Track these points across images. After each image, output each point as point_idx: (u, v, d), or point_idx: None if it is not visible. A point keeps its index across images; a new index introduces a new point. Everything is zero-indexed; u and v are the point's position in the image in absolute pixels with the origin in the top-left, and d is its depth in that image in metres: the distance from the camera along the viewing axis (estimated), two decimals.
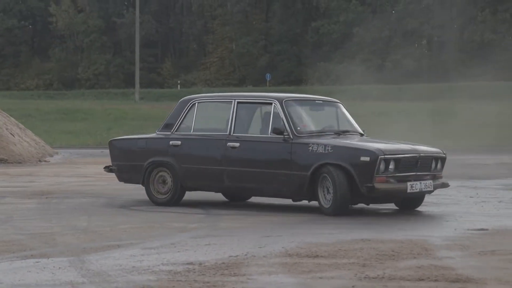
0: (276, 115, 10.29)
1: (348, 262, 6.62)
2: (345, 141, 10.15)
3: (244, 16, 66.48)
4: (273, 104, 10.41)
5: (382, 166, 9.62)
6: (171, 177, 10.86)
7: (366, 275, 6.11)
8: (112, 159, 11.66)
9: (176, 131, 10.99)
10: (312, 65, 59.07)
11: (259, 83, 60.27)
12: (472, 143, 25.01)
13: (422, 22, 56.26)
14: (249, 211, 10.50)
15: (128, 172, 11.41)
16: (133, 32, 58.40)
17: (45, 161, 21.14)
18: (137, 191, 13.28)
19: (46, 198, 11.93)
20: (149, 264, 6.56)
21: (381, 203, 10.50)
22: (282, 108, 10.32)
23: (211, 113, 11.29)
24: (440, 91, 41.85)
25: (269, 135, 10.24)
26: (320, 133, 10.42)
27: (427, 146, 10.50)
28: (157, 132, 11.29)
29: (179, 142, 10.91)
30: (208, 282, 5.84)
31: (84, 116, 43.00)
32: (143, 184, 11.09)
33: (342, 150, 9.78)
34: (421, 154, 10.04)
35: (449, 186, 10.65)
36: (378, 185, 9.59)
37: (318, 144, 9.85)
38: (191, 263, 6.59)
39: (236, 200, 11.55)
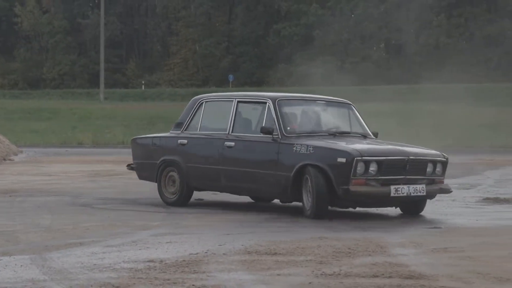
0: (269, 114, 9.98)
1: (305, 260, 6.64)
2: (327, 142, 9.65)
3: (207, 18, 66.41)
4: (267, 103, 10.10)
5: (360, 168, 9.13)
6: (179, 176, 10.66)
7: (323, 272, 6.13)
8: (133, 157, 11.55)
9: (185, 130, 10.85)
10: (274, 66, 59.16)
11: (222, 84, 60.24)
12: (432, 144, 25.18)
13: (380, 26, 56.63)
14: (212, 210, 10.49)
15: (146, 170, 11.22)
16: (98, 33, 58.07)
17: (9, 159, 20.93)
18: (101, 189, 13.22)
19: (10, 196, 11.82)
20: (110, 262, 6.52)
21: (365, 206, 9.92)
22: (274, 108, 9.99)
23: (217, 112, 10.86)
24: (399, 93, 42.18)
25: (260, 135, 9.92)
26: (312, 134, 9.99)
27: (428, 149, 9.90)
28: (170, 131, 11.18)
29: (185, 141, 10.76)
30: (168, 279, 5.82)
31: (49, 115, 42.71)
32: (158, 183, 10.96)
33: (321, 151, 9.34)
34: (411, 157, 9.41)
35: (451, 191, 9.99)
36: (354, 188, 9.10)
37: (301, 145, 9.47)
38: (152, 261, 6.57)
39: (261, 201, 11.14)
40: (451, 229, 8.67)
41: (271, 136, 9.77)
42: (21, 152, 23.20)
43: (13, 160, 21.10)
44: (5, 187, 13.18)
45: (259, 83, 57.92)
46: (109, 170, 17.74)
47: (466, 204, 11.19)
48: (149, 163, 11.11)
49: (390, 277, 5.99)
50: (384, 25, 56.87)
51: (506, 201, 11.77)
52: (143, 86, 62.68)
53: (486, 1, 57.09)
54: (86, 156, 23.40)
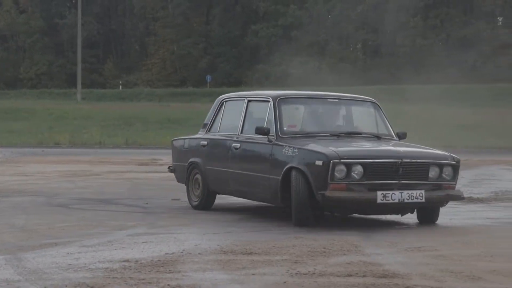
0: (270, 114, 9.36)
1: (280, 259, 6.65)
2: (316, 144, 8.81)
3: (185, 18, 66.29)
4: (269, 102, 9.49)
5: (339, 172, 8.35)
6: (201, 179, 10.26)
7: (298, 271, 6.15)
8: (172, 159, 11.27)
9: (208, 130, 10.42)
10: (251, 67, 59.15)
11: (199, 84, 60.15)
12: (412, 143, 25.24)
13: (357, 27, 56.81)
14: (188, 210, 10.48)
15: (179, 172, 10.84)
16: (75, 33, 57.81)
17: None
18: (77, 190, 13.16)
19: None
20: (85, 262, 6.50)
21: (349, 213, 9.10)
22: (274, 107, 9.35)
23: (233, 112, 10.15)
24: (377, 93, 42.30)
25: (260, 136, 9.30)
26: (312, 135, 9.28)
27: (436, 151, 9.04)
28: (198, 132, 10.76)
29: (205, 142, 10.36)
30: (143, 279, 5.81)
31: (26, 115, 42.47)
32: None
33: (303, 153, 8.59)
34: (404, 160, 8.52)
35: (463, 198, 9.22)
36: (330, 193, 8.32)
37: (289, 146, 8.79)
38: (127, 261, 6.56)
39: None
40: (425, 228, 8.72)
41: (266, 137, 9.17)
42: None
43: None
44: None
45: (237, 84, 57.92)
46: (86, 170, 17.67)
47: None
48: (181, 166, 10.77)
49: (364, 276, 6.02)
50: (361, 26, 57.06)
51: (479, 200, 11.87)
52: (120, 86, 62.48)
53: (461, 3, 57.43)
54: (62, 157, 23.29)
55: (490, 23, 56.34)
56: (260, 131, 9.18)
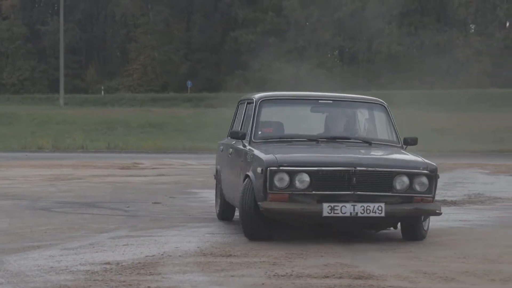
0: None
1: (259, 261, 6.66)
2: (271, 149, 7.92)
3: (165, 25, 66.15)
4: (253, 104, 8.60)
5: (280, 181, 7.36)
6: (219, 187, 9.54)
7: (276, 273, 6.15)
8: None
9: (228, 135, 9.34)
10: (231, 72, 59.17)
11: (180, 90, 60.07)
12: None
13: (334, 34, 56.97)
14: (169, 212, 10.45)
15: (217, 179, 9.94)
16: (57, 40, 57.54)
17: None
18: (60, 193, 13.11)
19: None
20: (67, 265, 6.47)
21: (297, 227, 8.02)
22: (255, 109, 8.46)
23: (245, 115, 9.07)
24: None
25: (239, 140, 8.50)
26: (286, 140, 8.29)
27: (410, 158, 7.89)
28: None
29: (221, 148, 9.77)
30: (124, 281, 5.80)
31: (9, 120, 42.23)
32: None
33: (255, 160, 7.73)
34: (358, 169, 7.40)
35: (438, 213, 7.76)
36: (267, 204, 7.38)
37: (248, 153, 8.00)
38: (108, 263, 6.53)
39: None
40: (400, 230, 8.76)
41: (241, 141, 8.40)
42: None
43: None
44: None
45: (217, 89, 57.92)
46: (68, 174, 17.60)
47: None
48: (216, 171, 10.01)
49: (340, 277, 6.03)
50: (338, 33, 57.21)
51: (453, 203, 11.94)
52: (102, 92, 62.25)
53: (435, 11, 57.76)
54: (45, 161, 23.19)
55: (463, 31, 56.68)
56: (234, 135, 8.54)
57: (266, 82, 46.46)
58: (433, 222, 9.50)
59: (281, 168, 7.39)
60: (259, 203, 7.46)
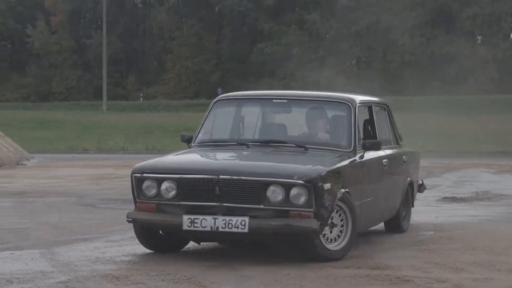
0: None
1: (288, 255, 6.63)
2: (176, 154, 6.75)
3: (198, 38, 66.25)
4: None
5: (148, 188, 6.15)
6: None
7: (304, 263, 6.14)
8: None
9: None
10: (257, 81, 59.13)
11: (212, 96, 60.14)
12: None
13: (352, 45, 56.75)
14: None
15: None
16: (100, 52, 57.91)
17: (22, 164, 20.84)
18: (103, 191, 13.19)
19: (22, 197, 11.77)
20: (111, 255, 6.52)
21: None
22: (209, 110, 7.18)
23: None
24: None
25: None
26: (221, 143, 6.87)
27: (291, 165, 6.13)
28: None
29: None
30: (163, 270, 5.82)
31: (57, 124, 42.52)
32: None
33: None
34: (221, 177, 5.93)
35: (314, 233, 5.94)
36: (132, 214, 6.31)
37: None
38: (148, 254, 6.57)
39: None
40: (414, 225, 8.72)
41: (187, 145, 7.09)
42: (32, 157, 23.08)
43: (25, 165, 21.00)
44: (18, 189, 13.15)
45: None
46: (111, 173, 17.69)
47: (427, 203, 11.22)
48: None
49: (359, 268, 6.02)
50: (355, 44, 57.01)
51: (462, 200, 11.85)
52: (141, 99, 62.47)
53: (444, 23, 57.40)
54: (90, 161, 23.31)
55: (470, 42, 56.29)
56: (183, 139, 7.15)
57: (290, 89, 46.39)
58: (444, 218, 9.47)
59: (144, 175, 6.16)
60: (127, 213, 6.38)
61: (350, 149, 6.62)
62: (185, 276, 5.62)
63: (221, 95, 7.57)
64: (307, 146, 6.62)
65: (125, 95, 65.02)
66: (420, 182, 8.75)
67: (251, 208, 5.92)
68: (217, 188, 5.94)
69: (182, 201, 6.06)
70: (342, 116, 6.81)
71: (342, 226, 6.28)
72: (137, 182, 6.20)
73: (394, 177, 7.69)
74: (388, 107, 7.95)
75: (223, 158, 6.60)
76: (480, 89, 46.45)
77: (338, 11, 56.18)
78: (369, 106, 7.41)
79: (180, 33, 66.79)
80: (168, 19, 66.35)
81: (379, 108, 7.73)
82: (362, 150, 6.74)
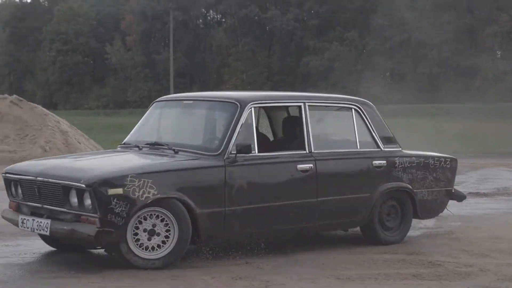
0: None
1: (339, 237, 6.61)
2: (73, 159, 6.11)
3: (252, 53, 66.45)
4: None
5: (10, 188, 5.72)
6: None
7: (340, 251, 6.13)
8: None
9: None
10: (304, 91, 59.01)
11: None
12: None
13: (386, 59, 56.29)
14: None
15: None
16: (168, 66, 58.51)
17: None
18: None
19: None
20: None
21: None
22: (146, 113, 6.54)
23: None
24: (408, 111, 41.82)
25: None
26: (127, 146, 6.13)
27: (109, 168, 5.30)
28: None
29: None
30: (224, 255, 5.85)
31: (131, 129, 42.95)
32: None
33: None
34: (38, 179, 5.36)
35: (90, 239, 5.14)
36: (5, 213, 5.82)
37: None
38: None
39: None
40: (443, 216, 8.66)
41: None
42: None
43: None
44: None
45: None
46: None
47: None
48: None
49: (396, 253, 6.02)
50: (389, 58, 56.52)
51: (484, 195, 11.69)
52: None
53: (468, 40, 56.63)
54: None
55: (491, 55, 55.39)
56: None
57: None
58: (469, 210, 9.35)
59: (7, 175, 5.74)
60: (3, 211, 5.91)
61: (218, 152, 5.49)
62: (245, 261, 5.65)
63: (160, 98, 6.58)
64: (176, 149, 5.64)
65: None
66: (451, 190, 6.85)
67: (60, 211, 5.30)
68: (36, 189, 5.41)
69: (26, 200, 5.59)
70: (225, 117, 5.71)
71: (168, 233, 5.23)
72: (5, 182, 5.76)
73: (334, 183, 5.94)
74: (360, 108, 6.29)
75: (74, 161, 5.85)
76: (500, 98, 45.70)
77: (374, 29, 55.94)
78: (285, 106, 6.22)
79: (236, 50, 67.11)
80: (226, 37, 66.87)
81: (338, 109, 6.35)
82: (234, 153, 5.48)
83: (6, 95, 19.01)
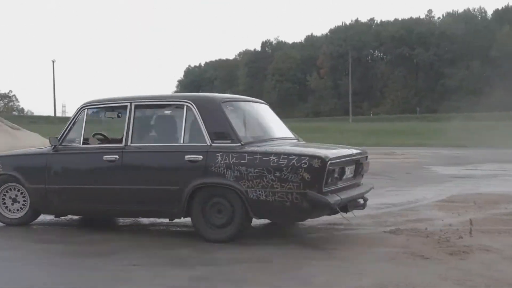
0: None
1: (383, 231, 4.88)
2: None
3: (404, 78, 63.11)
4: None
5: None
6: None
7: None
8: None
9: None
10: (442, 103, 54.82)
11: (413, 113, 56.79)
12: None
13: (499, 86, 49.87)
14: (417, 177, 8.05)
15: None
16: (348, 88, 57.33)
17: None
18: None
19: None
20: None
21: None
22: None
23: None
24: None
25: None
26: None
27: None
28: None
29: None
30: (268, 239, 4.27)
31: (323, 130, 35.83)
32: None
33: None
34: None
35: None
36: None
37: None
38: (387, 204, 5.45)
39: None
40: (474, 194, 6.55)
41: None
42: None
43: None
44: None
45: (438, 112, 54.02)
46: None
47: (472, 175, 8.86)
48: None
49: (409, 235, 4.44)
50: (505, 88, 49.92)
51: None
52: (371, 114, 60.98)
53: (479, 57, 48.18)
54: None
55: None
56: None
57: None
58: (485, 188, 7.16)
59: None
60: None
61: (58, 144, 4.83)
62: (291, 242, 4.10)
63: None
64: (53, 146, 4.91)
65: (361, 113, 64.39)
66: (313, 193, 4.00)
67: None
68: None
69: None
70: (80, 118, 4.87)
71: (24, 202, 4.96)
72: None
73: (140, 173, 4.45)
74: (192, 105, 4.41)
75: None
76: None
77: (490, 60, 50.10)
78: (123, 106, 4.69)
79: (393, 76, 64.68)
80: (386, 68, 64.75)
81: (170, 106, 4.59)
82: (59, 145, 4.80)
83: None
